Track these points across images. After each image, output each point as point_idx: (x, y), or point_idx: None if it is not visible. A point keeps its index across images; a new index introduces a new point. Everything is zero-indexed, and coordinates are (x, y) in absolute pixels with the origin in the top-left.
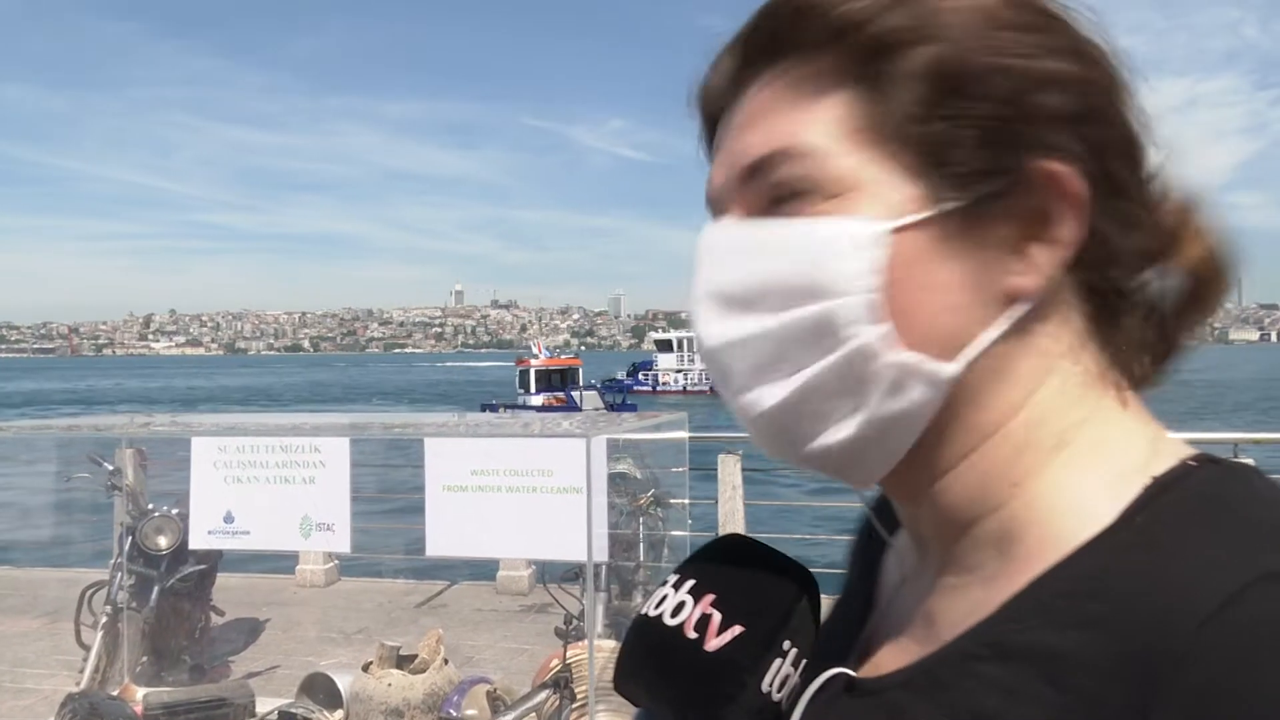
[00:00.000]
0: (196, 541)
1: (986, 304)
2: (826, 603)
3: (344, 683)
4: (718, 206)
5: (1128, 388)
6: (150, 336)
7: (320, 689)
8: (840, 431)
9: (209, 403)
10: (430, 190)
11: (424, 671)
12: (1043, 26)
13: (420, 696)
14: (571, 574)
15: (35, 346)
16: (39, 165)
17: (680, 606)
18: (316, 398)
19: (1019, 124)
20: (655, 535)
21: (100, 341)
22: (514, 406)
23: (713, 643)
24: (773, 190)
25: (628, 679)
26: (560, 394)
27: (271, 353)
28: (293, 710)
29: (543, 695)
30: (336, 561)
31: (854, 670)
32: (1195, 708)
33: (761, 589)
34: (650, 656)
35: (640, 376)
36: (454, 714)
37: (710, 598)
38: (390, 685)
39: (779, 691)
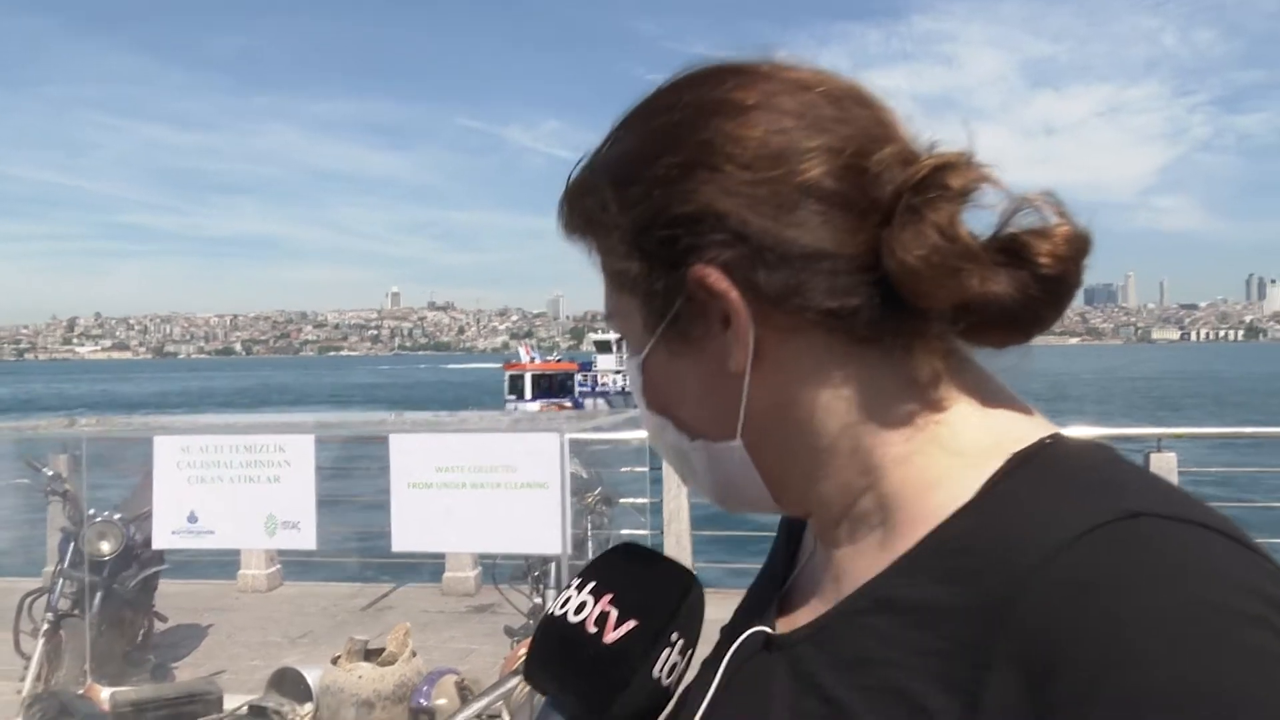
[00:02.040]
0: (160, 542)
1: (728, 385)
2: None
3: (313, 677)
4: None
5: (951, 377)
6: (75, 340)
7: (289, 683)
8: (710, 491)
9: (147, 408)
10: (362, 191)
11: (393, 664)
12: (638, 165)
13: (390, 688)
14: (519, 574)
15: None
16: None
17: (583, 606)
18: (269, 402)
19: (659, 246)
20: (602, 534)
21: (21, 345)
22: None
23: (610, 636)
24: None
25: (537, 670)
26: (563, 400)
27: (202, 356)
28: (263, 704)
29: (513, 682)
30: (279, 566)
31: (772, 628)
32: (1026, 646)
33: (652, 588)
34: (556, 650)
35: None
36: (424, 704)
37: (608, 596)
38: (360, 677)
39: (668, 677)
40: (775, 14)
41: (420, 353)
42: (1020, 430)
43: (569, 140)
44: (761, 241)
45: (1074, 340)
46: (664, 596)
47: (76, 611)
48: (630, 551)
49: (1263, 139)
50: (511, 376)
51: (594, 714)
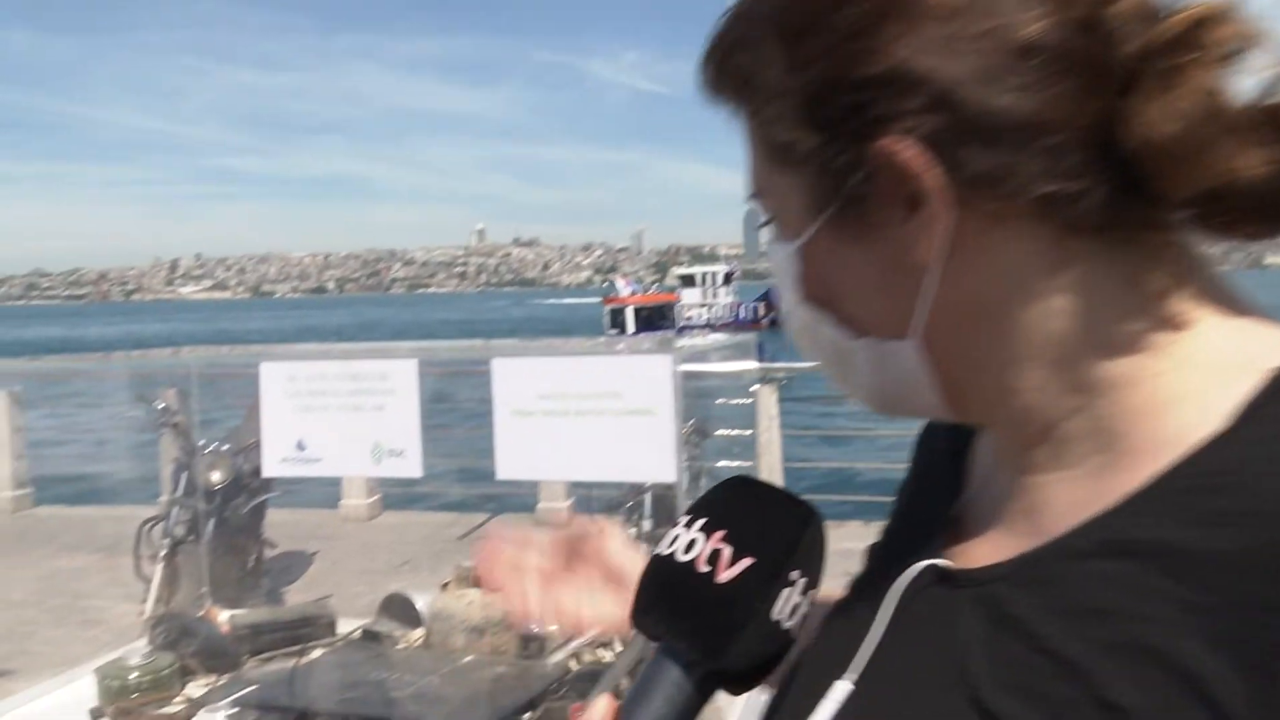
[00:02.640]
0: (269, 470)
1: (906, 278)
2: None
3: (422, 602)
4: None
5: (1193, 282)
6: (177, 281)
7: (398, 609)
8: (871, 396)
9: (251, 344)
10: (447, 129)
11: None
12: (815, 14)
13: (500, 614)
14: (614, 504)
15: (66, 294)
16: (51, 113)
17: (692, 544)
18: (367, 338)
19: (842, 114)
20: (696, 465)
21: (129, 287)
22: None
23: (724, 575)
24: None
25: (644, 614)
26: (666, 332)
27: (296, 295)
28: (375, 629)
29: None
30: (379, 496)
31: (942, 559)
32: None
33: (768, 523)
34: (665, 592)
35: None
36: (535, 630)
37: (720, 534)
38: (470, 603)
39: (789, 619)
40: None
41: (505, 289)
42: (1276, 343)
43: (651, 72)
44: (971, 111)
45: None
46: (781, 531)
47: (191, 538)
48: (742, 485)
49: None
50: (612, 310)
51: (710, 660)
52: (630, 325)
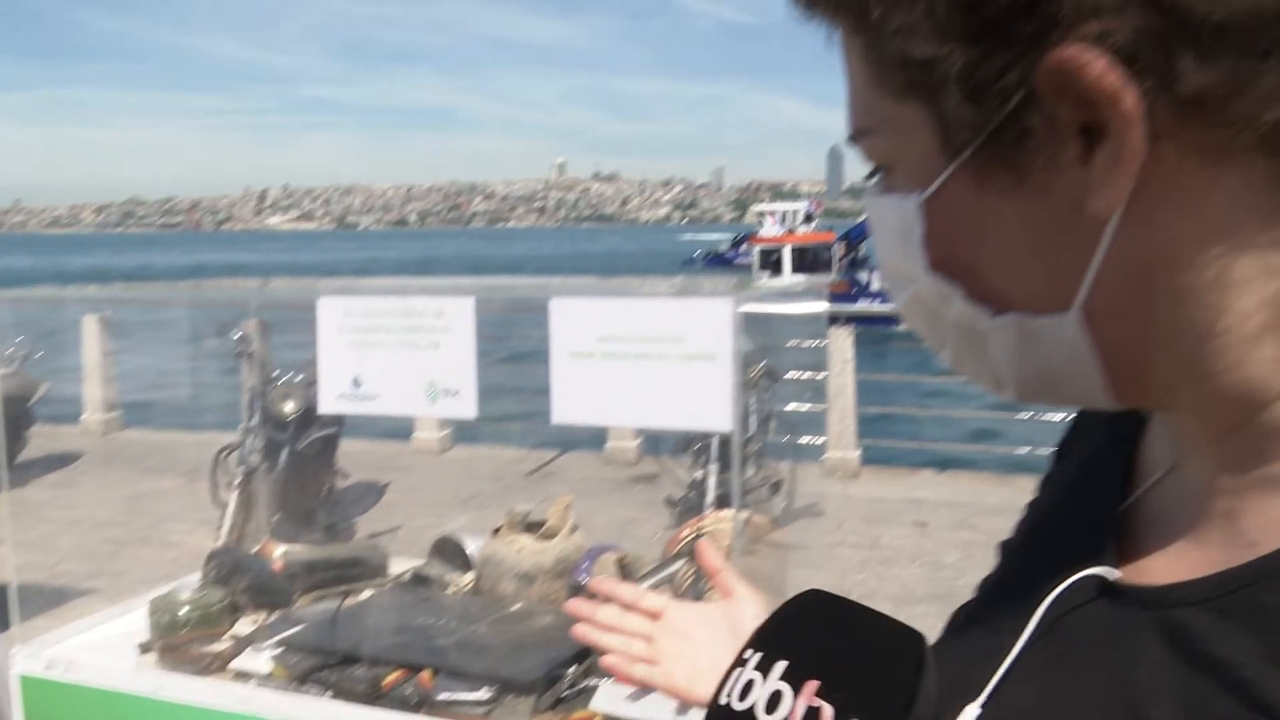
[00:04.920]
0: (325, 406)
1: (1075, 235)
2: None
3: (474, 547)
4: None
5: None
6: (265, 211)
7: (450, 552)
8: (1008, 384)
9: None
10: (529, 60)
11: (553, 538)
12: None
13: (551, 562)
14: (681, 446)
15: (160, 222)
16: (148, 39)
17: (777, 698)
18: (445, 272)
19: (1000, 15)
20: (765, 408)
21: (220, 216)
22: None
23: None
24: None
25: None
26: (829, 276)
27: (379, 227)
28: (425, 572)
29: (677, 565)
30: (450, 430)
31: (1110, 569)
32: None
33: (877, 667)
34: None
35: (742, 249)
36: (585, 580)
37: (813, 685)
38: (520, 550)
39: None
40: None
41: (583, 224)
42: None
43: (739, 0)
44: (1191, 6)
45: None
46: (892, 680)
47: (266, 465)
48: (826, 607)
49: None
50: (764, 251)
51: None
52: (787, 267)
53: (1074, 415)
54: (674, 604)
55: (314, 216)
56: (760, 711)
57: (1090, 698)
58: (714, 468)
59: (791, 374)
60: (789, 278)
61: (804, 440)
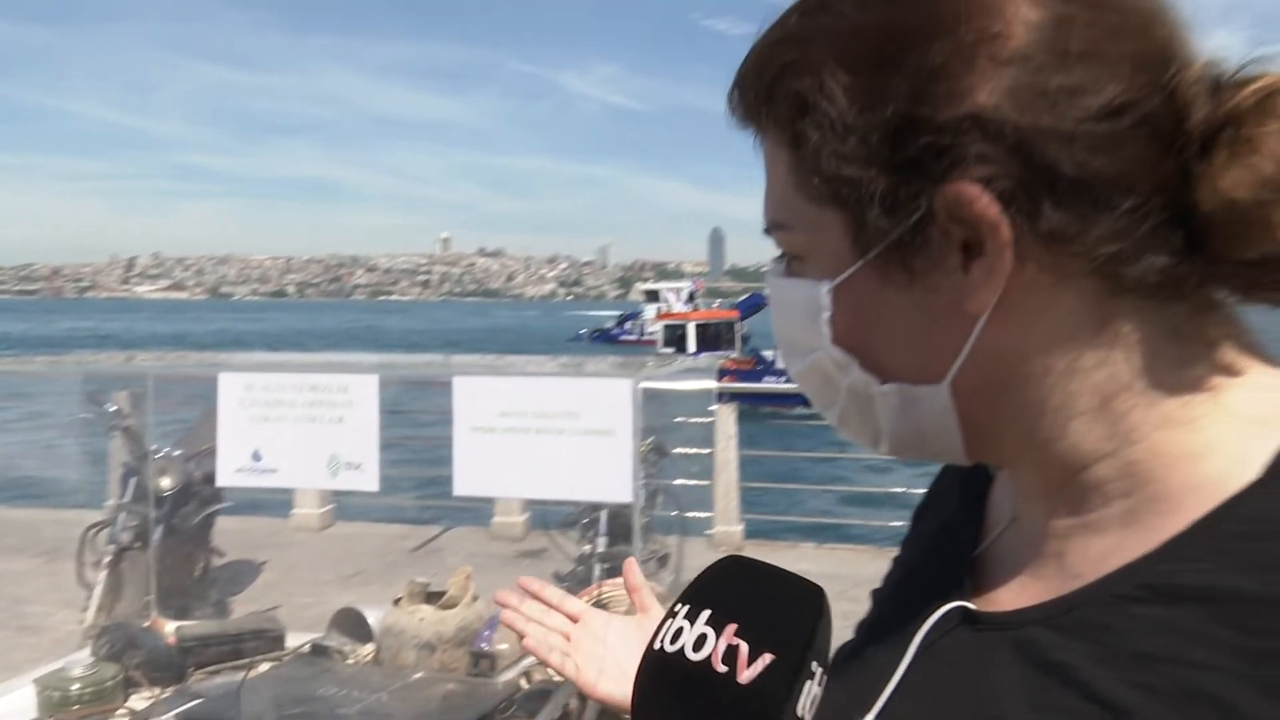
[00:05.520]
0: (223, 480)
1: (951, 325)
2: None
3: (374, 617)
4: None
5: (1233, 336)
6: (133, 280)
7: (349, 623)
8: (884, 440)
9: (208, 347)
10: (417, 136)
11: (454, 607)
12: (893, 48)
13: (452, 630)
14: (569, 520)
15: (17, 288)
16: (18, 102)
17: (702, 639)
18: (328, 346)
19: (915, 155)
20: (653, 483)
21: (83, 284)
22: None
23: (745, 675)
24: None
25: (652, 716)
26: (729, 353)
27: (255, 298)
28: (325, 643)
29: None
30: (332, 506)
31: (968, 602)
32: None
33: (782, 612)
34: (678, 693)
35: (627, 326)
36: (486, 648)
37: (733, 627)
38: (422, 620)
39: (810, 712)
40: None
41: (468, 299)
42: None
43: (623, 86)
44: (1049, 164)
45: None
46: (796, 620)
47: (137, 545)
48: (741, 567)
49: None
50: (669, 326)
51: None
52: (692, 343)
53: (929, 488)
54: (592, 610)
55: (185, 286)
56: (689, 651)
57: (960, 704)
58: (602, 540)
59: (678, 450)
60: (692, 354)
61: (691, 515)
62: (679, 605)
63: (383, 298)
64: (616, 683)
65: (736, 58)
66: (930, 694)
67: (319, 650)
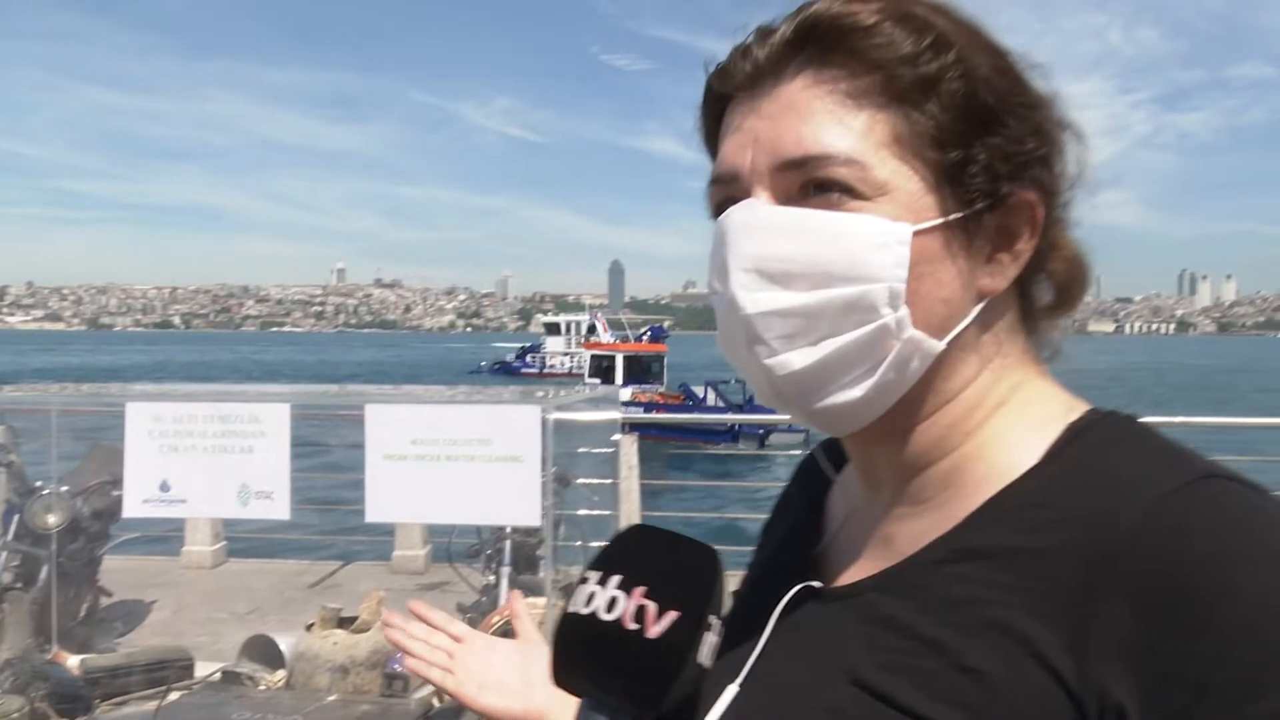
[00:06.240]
0: (131, 510)
1: (966, 297)
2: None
3: (286, 643)
4: (739, 184)
5: (1042, 362)
6: (4, 310)
7: (261, 650)
8: (851, 393)
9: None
10: (312, 164)
11: (366, 631)
12: (1027, 79)
13: (365, 653)
14: (472, 551)
15: None
16: None
17: (613, 602)
18: (232, 378)
19: (1016, 159)
20: (556, 514)
21: None
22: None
23: (654, 630)
24: (814, 182)
25: (570, 673)
26: (655, 387)
27: (139, 329)
28: (236, 670)
29: None
30: (224, 543)
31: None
32: (1137, 583)
33: (683, 574)
34: (593, 650)
35: (528, 359)
36: (399, 669)
37: (641, 590)
38: (335, 644)
39: (709, 659)
40: None
41: (365, 330)
42: (1071, 404)
43: (521, 119)
44: (1058, 194)
45: None
46: (696, 580)
47: (19, 585)
48: (643, 536)
49: (1200, 138)
50: (595, 357)
51: (644, 709)
52: (619, 375)
53: (772, 510)
54: (475, 633)
55: (62, 317)
56: (601, 613)
57: (813, 660)
58: (506, 571)
59: (581, 480)
60: (619, 386)
61: (595, 544)
62: (589, 573)
63: (275, 329)
64: (499, 695)
65: (636, 93)
66: (788, 655)
67: (230, 677)
